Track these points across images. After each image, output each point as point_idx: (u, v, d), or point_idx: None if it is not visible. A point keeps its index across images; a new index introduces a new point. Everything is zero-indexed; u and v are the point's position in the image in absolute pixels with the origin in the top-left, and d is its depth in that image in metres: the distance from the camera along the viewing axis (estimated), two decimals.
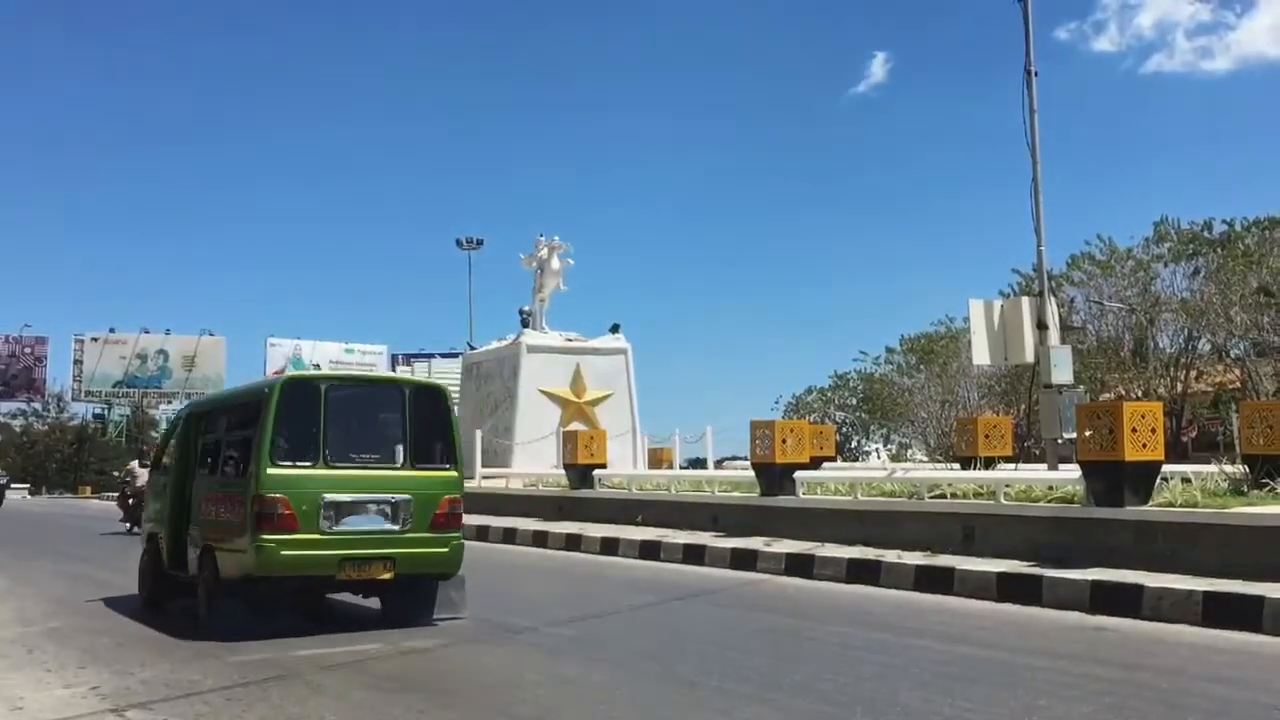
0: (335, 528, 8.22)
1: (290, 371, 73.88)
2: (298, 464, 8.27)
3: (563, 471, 19.50)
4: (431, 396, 9.18)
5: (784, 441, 14.11)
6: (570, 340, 25.67)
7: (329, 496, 8.21)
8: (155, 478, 10.70)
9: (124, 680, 6.55)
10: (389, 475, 8.58)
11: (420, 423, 8.80)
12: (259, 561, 8.01)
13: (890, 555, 11.00)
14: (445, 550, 8.62)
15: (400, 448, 8.68)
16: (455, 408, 10.62)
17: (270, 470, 8.12)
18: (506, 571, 13.12)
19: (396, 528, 8.42)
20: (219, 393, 13.06)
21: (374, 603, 8.98)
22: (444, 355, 53.88)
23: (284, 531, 8.06)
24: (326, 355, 75.54)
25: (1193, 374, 33.85)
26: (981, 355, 15.21)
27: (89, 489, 54.97)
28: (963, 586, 9.82)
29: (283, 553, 8.03)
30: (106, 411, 71.41)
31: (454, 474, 8.82)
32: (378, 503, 8.43)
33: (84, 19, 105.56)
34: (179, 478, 9.77)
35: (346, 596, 9.04)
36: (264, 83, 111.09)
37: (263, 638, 7.74)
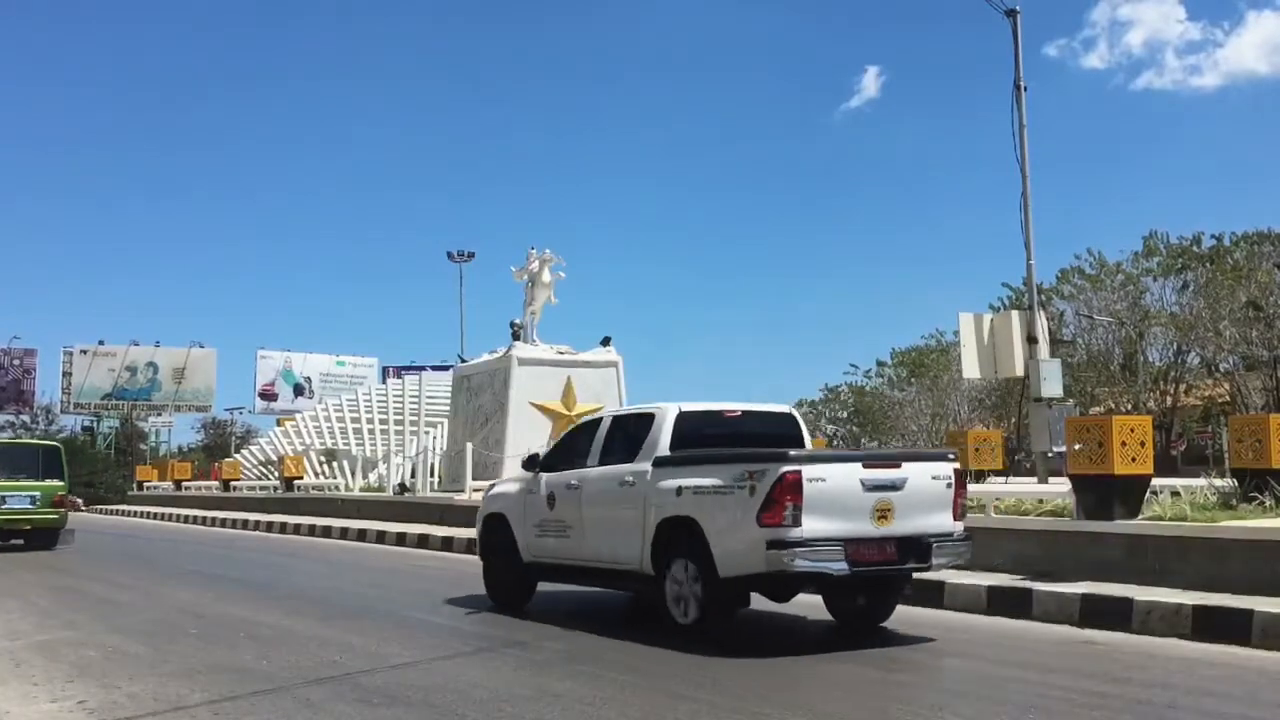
0: (3, 507, 18.39)
1: (280, 382, 73.57)
2: None
3: None
4: (53, 449, 20.97)
5: None
6: (561, 353, 25.63)
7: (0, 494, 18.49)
8: None
9: (111, 694, 6.52)
10: (30, 484, 18.85)
11: (46, 461, 19.67)
12: None
13: None
14: (57, 517, 19.11)
15: (37, 471, 19.12)
16: (64, 452, 20.91)
17: None
18: None
19: (33, 507, 18.68)
20: None
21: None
22: (435, 367, 53.62)
23: None
24: (317, 367, 75.18)
25: (1182, 388, 33.99)
26: (971, 368, 15.29)
27: (78, 501, 54.65)
28: (952, 600, 9.83)
29: None
30: (95, 424, 71.08)
31: (63, 483, 19.51)
32: (24, 495, 18.66)
33: (79, 21, 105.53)
34: None
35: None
36: (255, 94, 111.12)
37: None
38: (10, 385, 69.34)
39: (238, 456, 48.53)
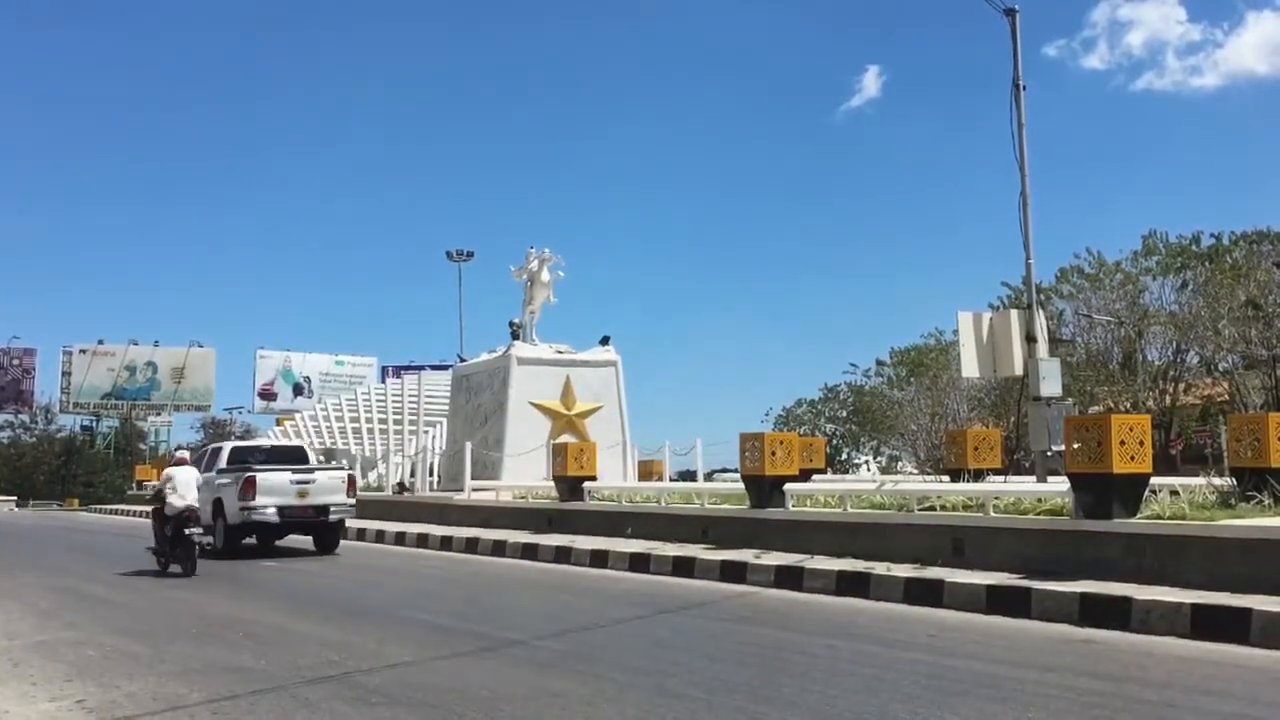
0: None
1: (279, 381, 73.48)
2: None
3: (553, 484, 19.47)
4: None
5: (774, 454, 14.12)
6: (560, 352, 25.61)
7: None
8: None
9: (110, 694, 6.52)
10: None
11: None
12: None
13: (880, 568, 11.01)
14: None
15: None
16: None
17: None
18: (495, 584, 13.09)
19: None
20: None
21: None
22: (434, 367, 53.58)
23: None
24: (316, 367, 75.16)
25: (1181, 387, 33.95)
26: (970, 368, 15.29)
27: (76, 501, 54.60)
28: (952, 599, 9.82)
29: None
30: (95, 423, 71.03)
31: None
32: None
33: (80, 24, 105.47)
34: None
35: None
36: (254, 95, 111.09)
37: None
38: (10, 385, 69.26)
39: None
